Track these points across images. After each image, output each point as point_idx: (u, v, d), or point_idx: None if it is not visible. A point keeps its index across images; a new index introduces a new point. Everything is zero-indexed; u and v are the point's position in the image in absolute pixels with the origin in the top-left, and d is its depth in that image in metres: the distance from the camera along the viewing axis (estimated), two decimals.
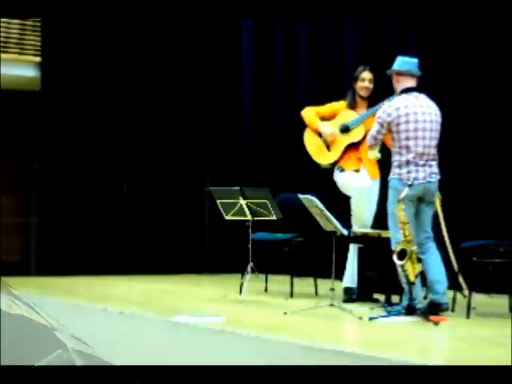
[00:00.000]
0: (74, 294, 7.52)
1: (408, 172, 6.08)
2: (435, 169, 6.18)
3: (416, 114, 6.12)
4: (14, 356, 1.90)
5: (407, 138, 6.10)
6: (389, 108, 6.17)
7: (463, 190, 6.34)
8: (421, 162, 6.10)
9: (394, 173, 6.15)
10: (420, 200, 6.18)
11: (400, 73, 6.25)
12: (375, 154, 6.58)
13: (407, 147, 6.10)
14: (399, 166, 6.12)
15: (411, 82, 6.25)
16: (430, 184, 6.14)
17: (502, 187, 7.77)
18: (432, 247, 6.24)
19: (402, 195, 5.95)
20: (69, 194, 10.05)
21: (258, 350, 4.61)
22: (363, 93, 7.12)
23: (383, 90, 7.34)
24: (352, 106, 7.17)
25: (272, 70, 10.80)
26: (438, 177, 6.19)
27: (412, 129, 6.10)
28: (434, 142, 6.18)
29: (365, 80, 7.09)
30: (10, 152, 11.18)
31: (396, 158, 6.16)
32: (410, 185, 5.97)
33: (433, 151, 6.18)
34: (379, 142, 6.30)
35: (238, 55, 11.11)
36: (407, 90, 6.22)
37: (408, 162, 6.09)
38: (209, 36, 10.95)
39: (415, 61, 6.29)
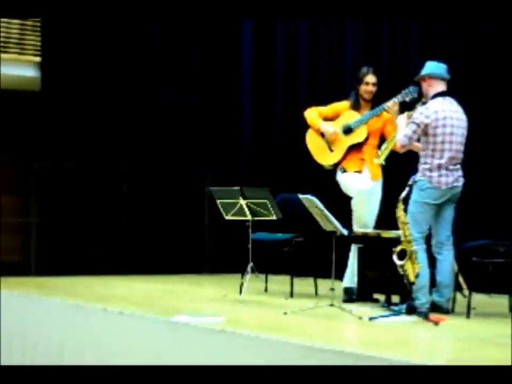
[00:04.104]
0: (74, 294, 7.51)
1: (439, 176, 6.17)
2: (461, 172, 6.29)
3: (451, 119, 6.22)
4: None
5: (443, 142, 6.18)
6: (426, 110, 6.22)
7: (462, 190, 6.34)
8: (451, 167, 6.20)
9: (424, 174, 6.20)
10: (444, 201, 6.25)
11: (432, 77, 6.32)
12: (381, 160, 6.68)
13: (442, 150, 6.18)
14: (430, 169, 6.18)
15: (442, 87, 6.33)
16: (457, 188, 6.26)
17: (502, 187, 7.78)
18: (450, 250, 6.30)
19: (403, 195, 6.01)
20: (69, 194, 10.05)
21: (258, 350, 4.61)
22: (367, 96, 7.13)
23: (384, 90, 7.35)
24: (356, 107, 7.17)
25: (272, 70, 10.80)
26: (463, 180, 6.28)
27: (448, 133, 6.18)
28: (462, 147, 6.30)
29: (368, 84, 7.09)
30: (10, 152, 11.18)
31: (427, 161, 6.21)
32: (439, 189, 6.13)
33: (461, 155, 6.30)
34: (413, 142, 6.34)
35: (238, 55, 11.12)
36: (441, 94, 6.29)
37: (439, 166, 6.17)
38: (209, 36, 10.96)
39: (444, 65, 6.38)
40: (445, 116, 6.19)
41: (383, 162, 6.79)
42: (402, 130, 6.37)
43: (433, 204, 6.20)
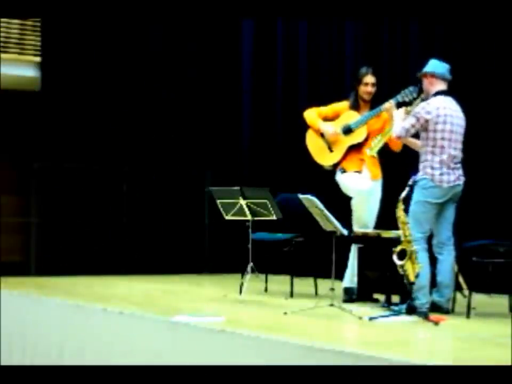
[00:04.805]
0: (74, 294, 7.51)
1: (441, 174, 6.16)
2: (461, 171, 6.29)
3: (452, 117, 6.23)
4: None
5: (443, 139, 6.18)
6: (428, 106, 6.23)
7: (463, 189, 6.34)
8: (452, 165, 6.20)
9: (425, 173, 6.20)
10: (445, 200, 6.25)
11: (434, 76, 6.32)
12: (372, 152, 6.70)
13: (442, 147, 6.18)
14: (432, 167, 6.18)
15: (443, 86, 6.35)
16: (458, 186, 6.26)
17: (502, 187, 7.78)
18: (451, 250, 6.29)
19: (403, 195, 6.01)
20: (69, 194, 10.06)
21: (258, 350, 4.60)
22: (366, 97, 7.12)
23: (384, 90, 7.34)
24: (355, 108, 7.17)
25: (272, 70, 10.80)
26: (464, 179, 6.29)
27: (447, 130, 6.19)
28: (461, 146, 6.31)
29: (368, 85, 7.08)
30: (10, 152, 11.18)
31: (427, 158, 6.21)
32: (441, 188, 6.13)
33: (461, 154, 6.30)
34: (409, 135, 6.35)
35: (238, 55, 11.11)
36: (441, 93, 6.30)
37: (441, 163, 6.16)
38: (209, 36, 10.96)
39: (447, 66, 6.39)
40: (446, 114, 6.20)
41: (375, 155, 6.79)
42: (398, 123, 6.38)
43: (436, 203, 6.19)
